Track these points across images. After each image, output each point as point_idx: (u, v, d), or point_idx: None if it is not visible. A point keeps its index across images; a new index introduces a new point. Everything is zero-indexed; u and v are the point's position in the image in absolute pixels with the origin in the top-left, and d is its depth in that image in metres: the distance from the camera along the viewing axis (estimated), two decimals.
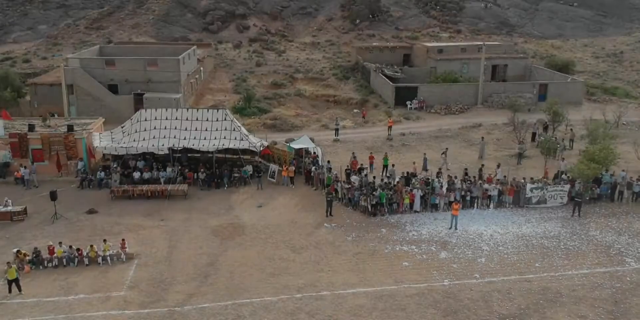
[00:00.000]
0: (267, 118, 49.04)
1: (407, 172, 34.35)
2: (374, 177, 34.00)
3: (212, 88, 58.89)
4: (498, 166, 35.81)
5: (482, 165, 36.39)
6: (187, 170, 36.25)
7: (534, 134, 44.26)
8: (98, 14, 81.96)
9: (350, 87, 61.61)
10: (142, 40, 71.74)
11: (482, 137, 42.30)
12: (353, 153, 37.44)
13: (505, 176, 33.73)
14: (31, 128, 36.60)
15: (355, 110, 54.84)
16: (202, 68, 58.00)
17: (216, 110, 37.34)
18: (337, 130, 44.60)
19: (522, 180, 32.94)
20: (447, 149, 39.57)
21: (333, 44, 78.47)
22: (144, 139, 35.77)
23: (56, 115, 43.34)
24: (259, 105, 53.04)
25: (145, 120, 36.40)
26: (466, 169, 35.44)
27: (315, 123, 49.34)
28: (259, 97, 55.50)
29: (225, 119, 36.70)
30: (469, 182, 32.63)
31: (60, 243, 26.46)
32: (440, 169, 35.83)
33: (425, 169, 36.56)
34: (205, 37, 76.54)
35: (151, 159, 37.49)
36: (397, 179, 33.13)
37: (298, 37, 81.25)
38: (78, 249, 26.22)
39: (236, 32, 79.90)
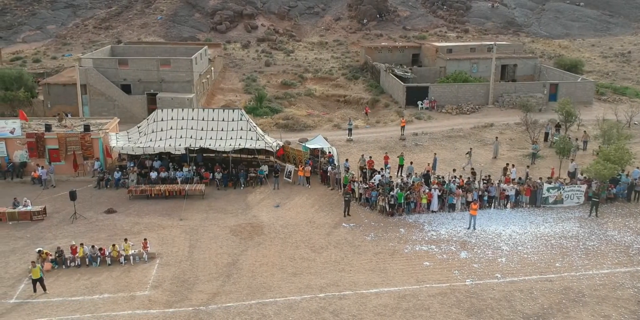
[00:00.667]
0: (279, 118, 49.14)
1: (427, 171, 34.56)
2: (390, 177, 34.12)
3: (222, 88, 59.00)
4: (512, 166, 35.94)
5: (507, 164, 36.46)
6: (203, 170, 36.39)
7: (546, 134, 44.37)
8: (106, 13, 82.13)
9: (360, 87, 61.73)
10: (151, 40, 71.86)
11: (496, 137, 42.38)
12: (362, 155, 37.34)
13: (529, 177, 33.87)
14: (48, 128, 36.74)
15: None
16: (212, 68, 58.11)
17: (232, 111, 37.46)
18: (350, 130, 44.69)
19: (539, 180, 33.04)
20: (471, 149, 39.61)
21: (341, 44, 78.60)
22: (160, 139, 35.91)
23: (69, 115, 43.54)
24: (270, 105, 53.14)
25: (162, 120, 36.53)
26: (473, 169, 35.48)
27: (327, 123, 49.44)
28: (269, 97, 55.62)
29: (241, 119, 36.84)
30: (485, 182, 32.72)
31: (82, 244, 26.58)
32: (463, 168, 36.03)
33: (433, 169, 36.59)
34: (213, 37, 76.69)
35: (167, 159, 37.64)
36: (414, 177, 33.30)
37: (306, 37, 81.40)
38: (100, 249, 26.37)
39: (244, 32, 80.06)
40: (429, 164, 36.12)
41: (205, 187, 34.65)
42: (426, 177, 33.52)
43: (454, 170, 35.21)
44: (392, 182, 32.78)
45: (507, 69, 63.58)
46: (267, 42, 77.11)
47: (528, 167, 36.64)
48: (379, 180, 33.18)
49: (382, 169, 35.40)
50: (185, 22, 79.07)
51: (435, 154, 38.62)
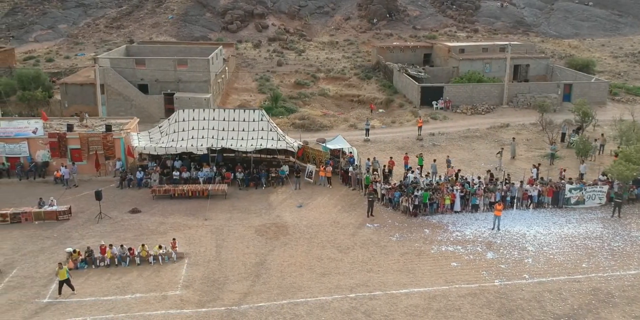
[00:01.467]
0: (295, 118, 49.29)
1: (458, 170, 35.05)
2: (423, 176, 34.35)
3: (237, 88, 59.16)
4: (534, 166, 36.10)
5: (539, 164, 36.60)
6: (224, 170, 36.56)
7: (563, 135, 44.45)
8: (117, 13, 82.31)
9: (373, 86, 61.84)
10: (163, 39, 72.02)
11: (513, 138, 42.50)
12: (374, 158, 37.40)
13: (541, 177, 34.04)
14: (69, 128, 36.92)
15: (380, 110, 55.11)
16: (226, 68, 58.27)
17: (253, 111, 37.63)
18: (367, 130, 44.83)
19: (561, 181, 33.17)
20: (502, 149, 39.60)
21: (352, 44, 78.65)
22: (182, 139, 36.09)
23: (87, 115, 43.67)
24: (285, 105, 53.29)
25: (183, 120, 36.71)
26: (489, 171, 35.60)
27: (343, 123, 49.60)
28: (284, 96, 55.75)
29: (261, 120, 37.02)
30: (507, 182, 32.90)
31: (110, 246, 26.70)
32: (496, 168, 36.56)
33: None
34: (224, 37, 76.79)
35: (187, 159, 37.81)
36: (438, 178, 33.55)
37: (316, 37, 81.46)
38: (130, 249, 26.55)
39: (255, 31, 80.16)
40: (452, 168, 36.06)
41: (227, 187, 34.82)
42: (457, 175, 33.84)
43: (489, 171, 35.41)
44: (418, 182, 32.91)
45: (519, 69, 63.60)
46: (278, 42, 77.21)
47: (535, 166, 36.35)
48: (412, 179, 33.32)
49: (410, 168, 35.64)
50: (196, 21, 79.24)
51: (447, 156, 38.61)
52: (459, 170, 35.34)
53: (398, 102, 56.05)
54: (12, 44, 71.80)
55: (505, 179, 33.42)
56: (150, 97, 48.11)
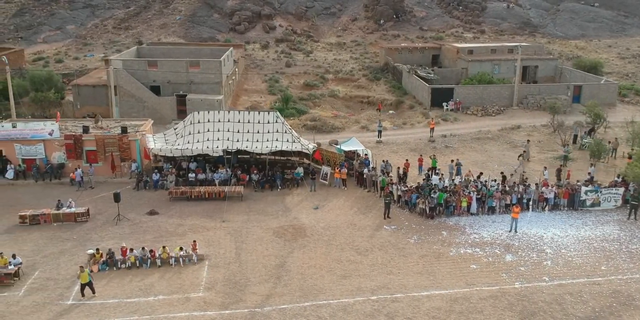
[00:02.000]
0: (306, 119, 49.42)
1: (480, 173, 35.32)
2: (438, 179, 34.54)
3: (247, 89, 59.31)
4: (545, 168, 36.26)
5: (561, 166, 36.62)
6: (239, 171, 36.69)
7: (575, 136, 44.56)
8: (125, 14, 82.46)
9: (382, 88, 61.96)
10: (171, 40, 72.16)
11: (528, 140, 42.60)
12: (387, 160, 37.45)
13: (594, 177, 34.38)
14: (85, 130, 37.08)
15: (390, 111, 55.22)
16: (236, 69, 58.42)
17: (267, 113, 37.78)
18: (380, 132, 44.95)
19: (577, 183, 33.30)
20: (524, 151, 39.70)
21: (359, 44, 78.79)
22: (198, 141, 36.22)
23: (100, 116, 43.82)
24: (295, 106, 53.42)
25: (199, 122, 36.85)
26: (502, 173, 35.68)
27: (354, 124, 49.72)
28: (293, 98, 55.86)
29: (276, 122, 37.16)
30: (526, 184, 33.04)
31: (131, 249, 26.83)
32: (516, 170, 36.82)
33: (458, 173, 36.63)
34: (232, 38, 76.92)
35: (202, 161, 37.95)
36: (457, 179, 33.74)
37: (323, 38, 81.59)
38: (151, 251, 26.68)
39: (262, 32, 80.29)
40: (470, 171, 36.10)
41: (243, 189, 34.94)
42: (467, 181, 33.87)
43: (502, 173, 35.55)
44: (436, 184, 33.07)
45: (528, 70, 63.71)
46: (286, 43, 77.35)
47: (546, 168, 36.71)
48: (437, 181, 33.52)
49: (435, 168, 35.92)
50: (204, 22, 79.38)
51: (457, 159, 38.37)
52: (481, 173, 35.27)
53: (408, 104, 56.17)
54: (21, 44, 72.00)
55: (523, 181, 33.50)
56: (162, 99, 48.26)
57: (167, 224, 31.00)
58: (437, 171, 35.62)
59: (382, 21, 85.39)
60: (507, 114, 52.77)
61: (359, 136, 44.85)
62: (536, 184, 33.13)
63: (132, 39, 74.27)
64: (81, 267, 24.67)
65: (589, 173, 35.91)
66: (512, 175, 36.54)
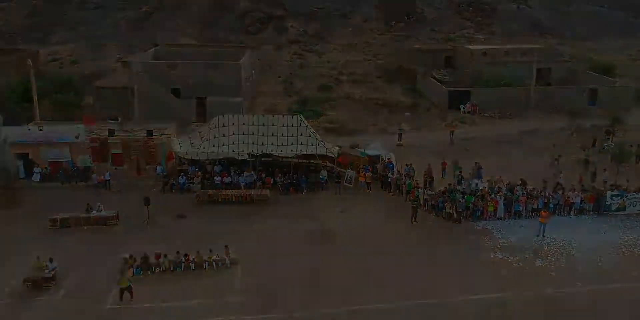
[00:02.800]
0: (325, 122, 49.57)
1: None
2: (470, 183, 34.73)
3: (263, 91, 59.43)
4: (560, 172, 36.40)
5: (595, 168, 36.75)
6: (264, 175, 36.87)
7: (594, 140, 44.65)
8: (137, 15, 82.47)
9: (397, 90, 61.98)
10: (185, 42, 72.23)
11: (553, 144, 42.62)
12: (410, 164, 37.16)
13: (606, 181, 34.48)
14: (111, 133, 37.27)
15: (407, 114, 55.29)
16: (253, 71, 58.58)
17: (291, 116, 37.99)
18: (400, 135, 45.08)
19: (602, 188, 33.47)
20: (559, 155, 39.58)
21: (371, 46, 78.81)
22: (223, 144, 36.41)
23: (120, 119, 44.04)
24: (312, 108, 53.54)
25: (223, 126, 37.01)
26: (522, 179, 35.55)
27: (372, 127, 49.87)
28: (310, 100, 56.01)
29: (300, 125, 37.32)
30: (560, 189, 33.24)
31: (165, 255, 26.98)
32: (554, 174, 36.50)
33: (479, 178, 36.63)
34: (245, 39, 76.96)
35: (227, 164, 38.11)
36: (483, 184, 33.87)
37: (335, 39, 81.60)
38: (186, 255, 26.87)
39: (275, 34, 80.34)
40: (500, 176, 35.98)
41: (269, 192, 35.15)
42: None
43: (522, 179, 35.43)
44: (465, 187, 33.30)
45: (541, 72, 63.71)
46: (298, 44, 77.45)
47: (561, 172, 36.71)
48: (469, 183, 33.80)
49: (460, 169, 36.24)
50: (217, 24, 79.44)
51: (477, 163, 37.93)
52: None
53: (424, 106, 56.25)
54: (34, 47, 71.99)
55: (557, 186, 33.63)
56: (183, 101, 48.38)
57: (197, 228, 31.14)
58: (461, 175, 35.72)
59: (393, 22, 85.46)
60: (524, 116, 52.80)
61: (379, 139, 45.03)
62: (562, 188, 33.27)
63: (146, 40, 74.26)
64: (122, 270, 24.87)
65: (603, 179, 35.85)
66: (554, 174, 36.26)
